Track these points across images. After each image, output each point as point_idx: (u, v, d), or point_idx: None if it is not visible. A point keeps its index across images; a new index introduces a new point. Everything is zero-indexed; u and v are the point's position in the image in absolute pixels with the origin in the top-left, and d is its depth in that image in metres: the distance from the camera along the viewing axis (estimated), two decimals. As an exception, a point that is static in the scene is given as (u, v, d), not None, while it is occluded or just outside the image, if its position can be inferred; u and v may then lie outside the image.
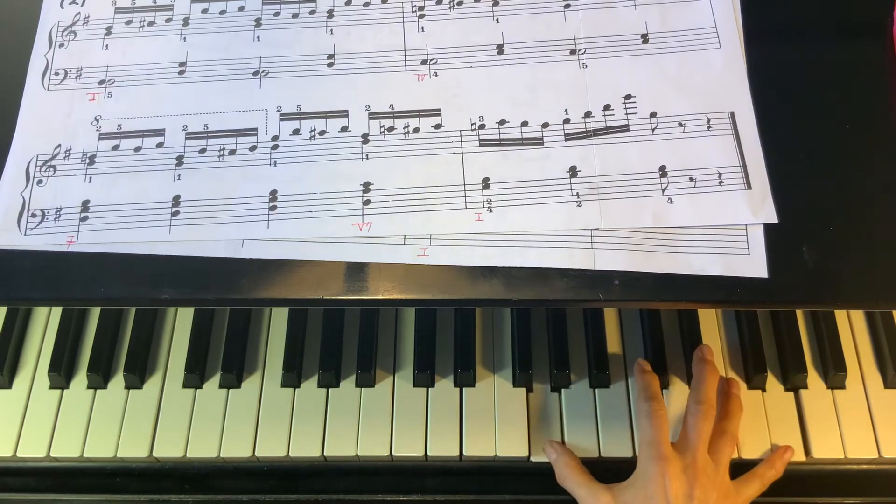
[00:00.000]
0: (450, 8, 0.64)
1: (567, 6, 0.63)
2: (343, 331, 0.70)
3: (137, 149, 0.59)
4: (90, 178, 0.58)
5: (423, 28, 0.63)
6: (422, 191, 0.57)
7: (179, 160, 0.59)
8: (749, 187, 0.56)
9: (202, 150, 0.59)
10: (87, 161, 0.59)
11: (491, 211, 0.56)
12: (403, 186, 0.57)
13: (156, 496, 0.68)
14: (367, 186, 0.57)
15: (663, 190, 0.56)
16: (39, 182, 0.58)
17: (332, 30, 0.63)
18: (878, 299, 0.55)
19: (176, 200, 0.57)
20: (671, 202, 0.56)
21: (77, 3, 0.65)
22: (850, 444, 0.66)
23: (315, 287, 0.54)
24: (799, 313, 0.71)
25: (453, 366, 0.69)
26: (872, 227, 0.55)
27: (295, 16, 0.64)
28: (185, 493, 0.68)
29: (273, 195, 0.57)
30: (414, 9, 0.64)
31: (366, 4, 0.64)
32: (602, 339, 0.69)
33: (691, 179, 0.57)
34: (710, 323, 0.70)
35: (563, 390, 0.68)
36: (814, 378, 0.69)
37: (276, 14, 0.64)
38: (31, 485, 0.68)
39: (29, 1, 0.66)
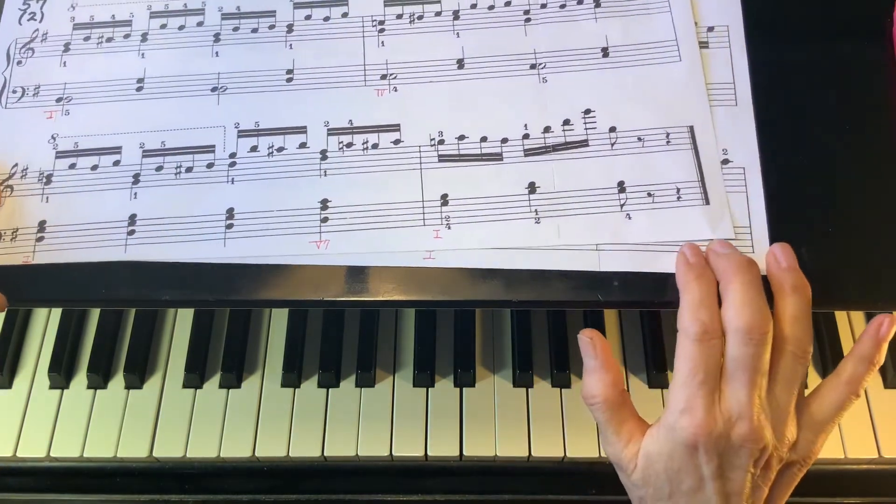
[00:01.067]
0: (410, 22, 0.63)
1: (528, 20, 0.62)
2: (343, 331, 0.70)
3: (94, 167, 0.58)
4: (47, 197, 0.57)
5: (383, 42, 0.62)
6: (380, 207, 0.56)
7: (136, 178, 0.58)
8: (707, 202, 0.56)
9: (159, 168, 0.58)
10: (44, 180, 0.58)
11: (449, 228, 0.55)
12: (361, 203, 0.56)
13: (156, 496, 0.68)
14: (324, 204, 0.56)
15: (622, 206, 0.56)
16: None
17: (291, 44, 0.62)
18: (878, 299, 0.54)
19: (132, 219, 0.56)
20: (629, 218, 0.55)
21: (35, 20, 0.64)
22: (850, 444, 0.66)
23: (315, 288, 0.54)
24: (799, 313, 0.71)
25: (453, 366, 0.69)
26: (872, 227, 0.55)
27: (254, 30, 0.63)
28: (185, 493, 0.68)
29: (230, 213, 0.56)
30: (374, 23, 0.63)
31: (326, 19, 0.63)
32: (602, 339, 0.69)
33: (649, 195, 0.56)
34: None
35: (563, 390, 0.68)
36: (814, 378, 0.69)
37: (236, 29, 0.63)
38: (31, 485, 0.68)
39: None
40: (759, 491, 0.49)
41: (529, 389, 0.68)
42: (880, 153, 0.57)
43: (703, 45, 0.62)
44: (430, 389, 0.68)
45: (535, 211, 0.56)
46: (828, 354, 0.68)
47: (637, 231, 0.55)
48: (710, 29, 0.62)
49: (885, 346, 0.51)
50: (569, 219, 0.55)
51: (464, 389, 0.68)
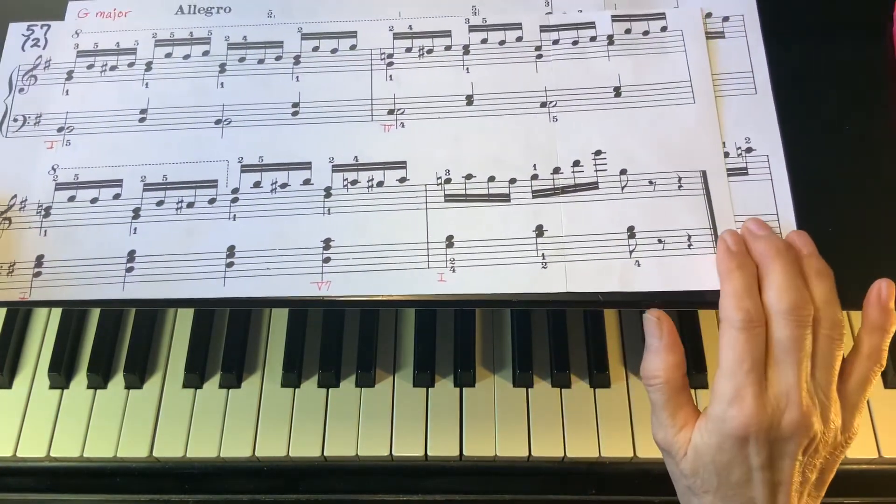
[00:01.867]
0: (419, 56, 0.62)
1: (539, 56, 0.61)
2: (343, 331, 0.70)
3: (94, 200, 0.57)
4: (45, 231, 0.56)
5: (391, 76, 0.61)
6: (384, 249, 0.55)
7: (136, 213, 0.57)
8: None
9: (160, 203, 0.57)
10: (43, 213, 0.57)
11: (454, 271, 0.54)
12: (365, 244, 0.55)
13: (156, 496, 0.68)
14: (327, 243, 0.55)
15: (631, 252, 0.55)
16: None
17: (298, 77, 0.61)
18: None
19: (131, 256, 0.55)
20: (638, 265, 0.54)
21: (39, 46, 0.63)
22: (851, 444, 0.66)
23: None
24: (799, 313, 0.71)
25: (453, 366, 0.69)
26: (872, 227, 0.55)
27: (261, 61, 0.62)
28: (185, 493, 0.68)
29: (231, 251, 0.55)
30: (383, 56, 0.62)
31: (333, 51, 0.62)
32: (602, 339, 0.69)
33: (660, 241, 0.55)
34: (710, 323, 0.70)
35: (563, 390, 0.68)
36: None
37: (242, 59, 0.62)
38: (31, 485, 0.68)
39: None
40: (806, 478, 0.48)
41: (529, 389, 0.68)
42: (880, 153, 0.57)
43: (719, 35, 0.61)
44: (430, 389, 0.68)
45: (543, 255, 0.55)
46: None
47: (645, 279, 0.54)
48: (726, 19, 0.62)
49: (892, 309, 0.51)
50: (576, 264, 0.54)
51: (464, 389, 0.68)
